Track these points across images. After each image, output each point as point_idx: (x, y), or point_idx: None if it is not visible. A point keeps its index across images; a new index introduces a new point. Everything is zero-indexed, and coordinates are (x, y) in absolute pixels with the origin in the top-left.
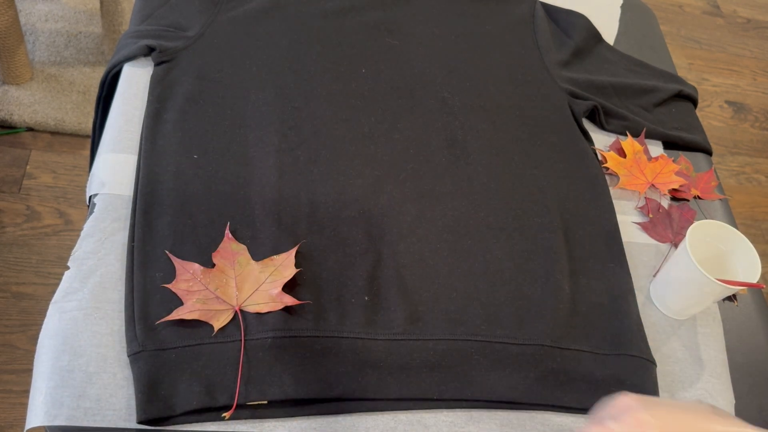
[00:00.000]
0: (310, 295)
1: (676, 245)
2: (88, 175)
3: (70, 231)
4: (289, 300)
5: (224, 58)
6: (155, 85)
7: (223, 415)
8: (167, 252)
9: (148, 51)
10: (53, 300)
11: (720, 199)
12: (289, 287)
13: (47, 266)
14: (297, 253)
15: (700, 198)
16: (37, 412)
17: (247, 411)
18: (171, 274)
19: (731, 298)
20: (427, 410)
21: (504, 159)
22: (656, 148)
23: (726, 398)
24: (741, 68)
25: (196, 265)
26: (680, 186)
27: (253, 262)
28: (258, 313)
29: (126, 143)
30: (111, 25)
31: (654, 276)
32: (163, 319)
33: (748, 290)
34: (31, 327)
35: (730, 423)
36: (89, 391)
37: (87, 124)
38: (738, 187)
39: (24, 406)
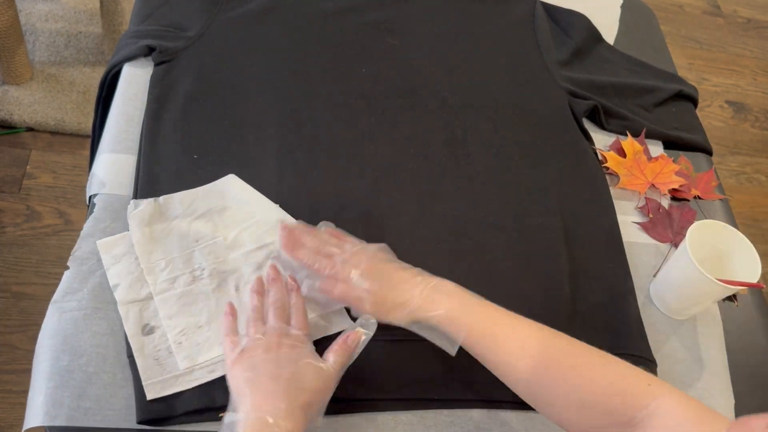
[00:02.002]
0: None
1: (676, 245)
2: (88, 175)
3: (70, 231)
4: None
5: (224, 59)
6: (155, 85)
7: (220, 414)
8: None
9: (148, 51)
10: (53, 300)
11: (720, 199)
12: None
13: (47, 266)
14: None
15: (700, 198)
16: (36, 412)
17: None
18: None
19: (731, 298)
20: (427, 410)
21: (504, 159)
22: (656, 148)
23: (726, 398)
24: (741, 68)
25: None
26: (680, 186)
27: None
28: None
29: (126, 143)
30: (111, 25)
31: (654, 276)
32: None
33: (748, 290)
34: (31, 327)
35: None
36: (89, 391)
37: (87, 124)
38: (738, 187)
39: (24, 406)
